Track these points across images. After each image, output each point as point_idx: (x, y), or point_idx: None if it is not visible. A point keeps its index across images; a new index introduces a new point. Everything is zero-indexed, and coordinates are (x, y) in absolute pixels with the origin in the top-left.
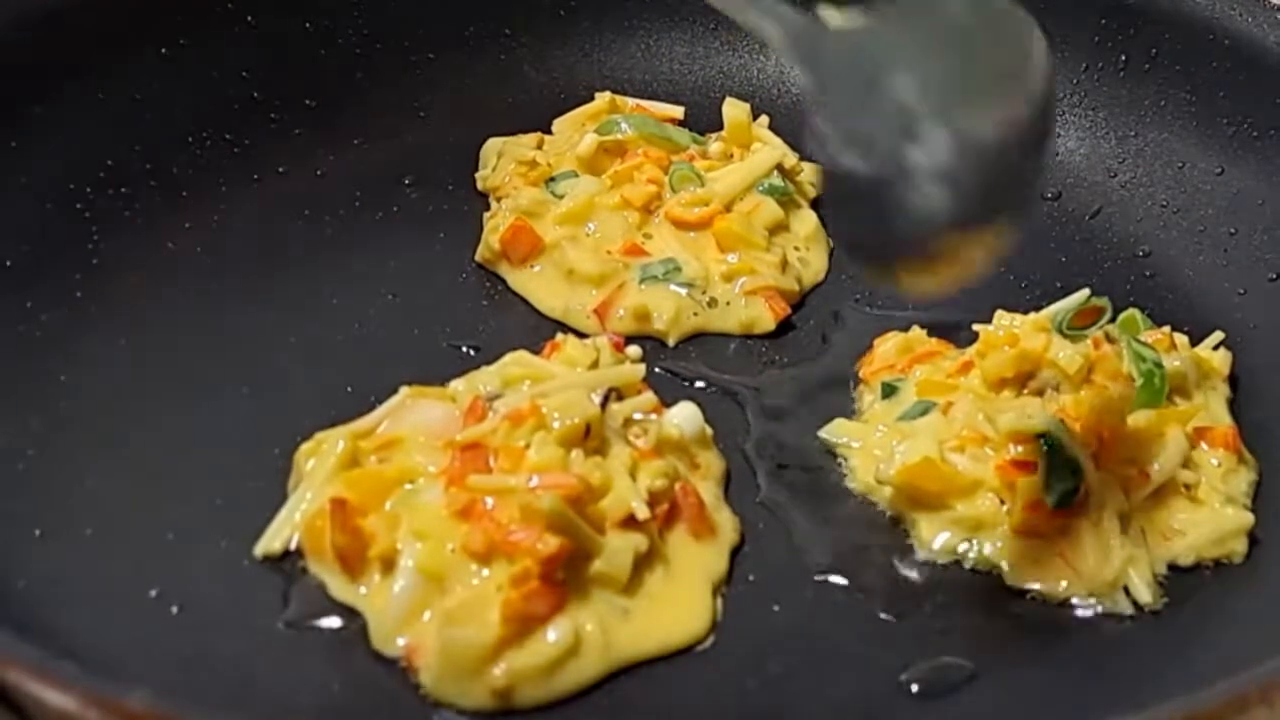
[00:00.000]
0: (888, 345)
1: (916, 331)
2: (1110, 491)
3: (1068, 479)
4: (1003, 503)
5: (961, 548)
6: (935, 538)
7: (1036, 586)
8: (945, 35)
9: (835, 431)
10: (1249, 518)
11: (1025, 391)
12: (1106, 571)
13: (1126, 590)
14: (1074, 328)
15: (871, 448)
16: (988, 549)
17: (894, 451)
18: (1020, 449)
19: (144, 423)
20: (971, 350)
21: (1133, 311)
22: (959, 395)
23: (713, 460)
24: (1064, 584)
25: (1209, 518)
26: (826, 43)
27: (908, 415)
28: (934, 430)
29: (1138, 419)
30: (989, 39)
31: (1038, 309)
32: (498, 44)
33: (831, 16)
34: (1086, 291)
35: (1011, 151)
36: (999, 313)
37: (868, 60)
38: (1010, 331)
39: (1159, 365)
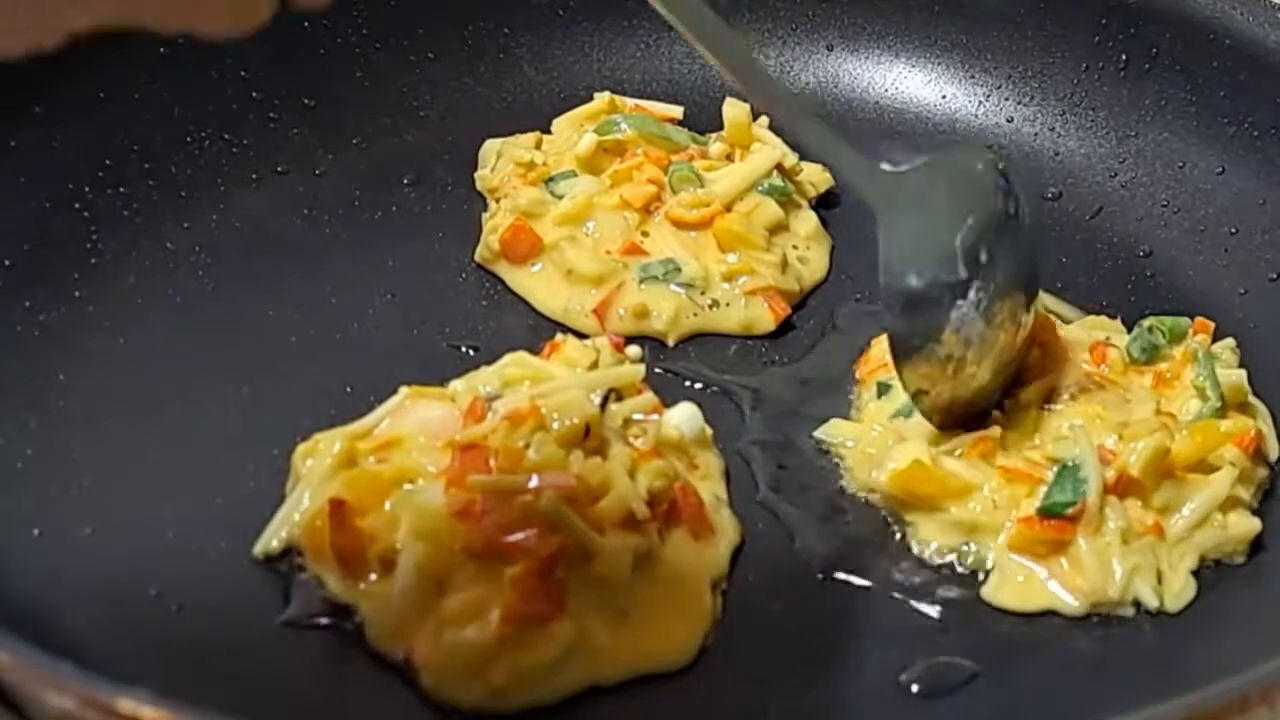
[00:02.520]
0: (884, 344)
1: None
2: (1115, 510)
3: (1068, 495)
4: (996, 505)
5: (958, 549)
6: (932, 539)
7: (1029, 609)
8: (962, 183)
9: (832, 432)
10: (1256, 524)
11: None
12: (1110, 590)
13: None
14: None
15: (866, 447)
16: (984, 552)
17: (886, 455)
18: (1033, 465)
19: (143, 422)
20: None
21: (1153, 320)
22: None
23: (712, 460)
24: (1067, 599)
25: (1216, 522)
26: (890, 184)
27: (901, 413)
28: (925, 430)
29: (1188, 451)
30: (983, 184)
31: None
32: (497, 44)
33: (887, 166)
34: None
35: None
36: None
37: (917, 198)
38: None
39: (1216, 385)
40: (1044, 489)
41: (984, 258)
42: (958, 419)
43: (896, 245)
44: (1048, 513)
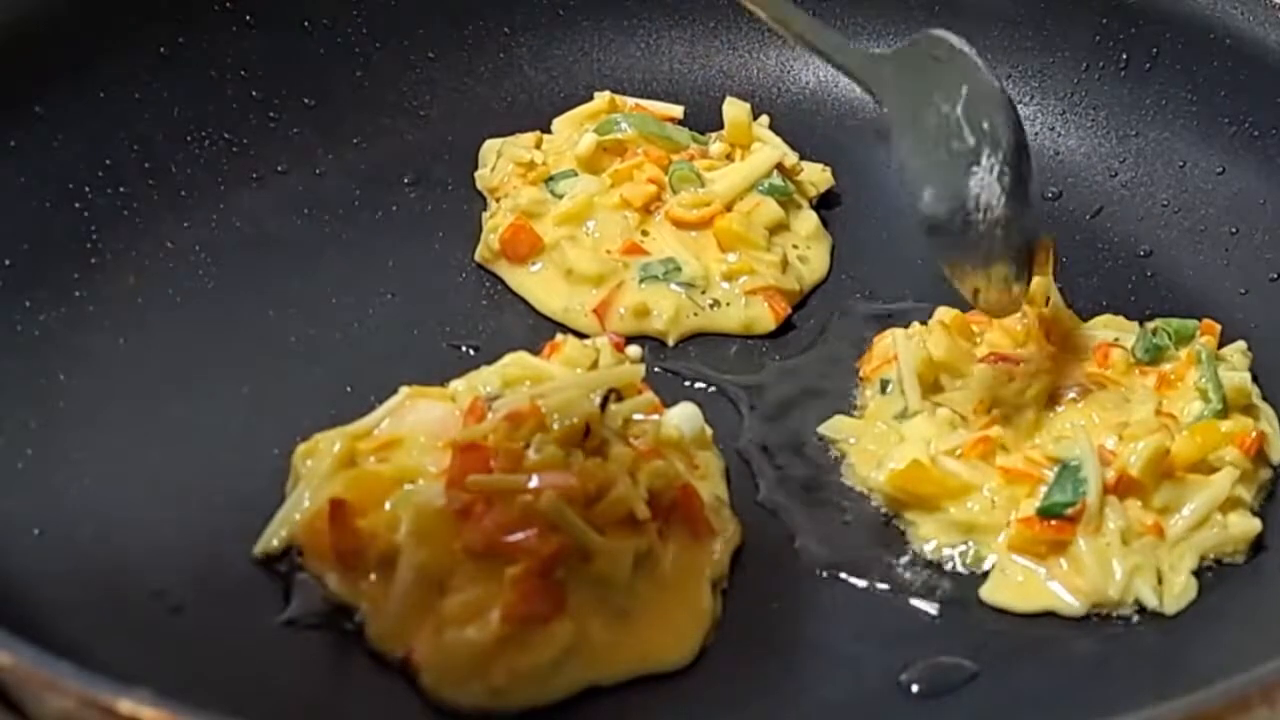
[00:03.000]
0: (886, 342)
1: (916, 327)
2: (1115, 510)
3: (1068, 495)
4: (995, 505)
5: (958, 549)
6: (932, 538)
7: (1029, 609)
8: (945, 58)
9: (834, 429)
10: (1257, 524)
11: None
12: (1110, 590)
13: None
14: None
15: (869, 443)
16: (984, 552)
17: (888, 453)
18: (1033, 464)
19: (143, 422)
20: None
21: (1160, 322)
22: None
23: (712, 460)
24: (1067, 599)
25: (1217, 523)
26: (885, 65)
27: (902, 414)
28: (925, 431)
29: (1188, 451)
30: (963, 56)
31: None
32: (497, 44)
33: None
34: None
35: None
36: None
37: (914, 75)
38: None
39: (1218, 387)
40: (1044, 489)
41: (986, 125)
42: (996, 310)
43: (906, 124)
44: (1048, 513)
